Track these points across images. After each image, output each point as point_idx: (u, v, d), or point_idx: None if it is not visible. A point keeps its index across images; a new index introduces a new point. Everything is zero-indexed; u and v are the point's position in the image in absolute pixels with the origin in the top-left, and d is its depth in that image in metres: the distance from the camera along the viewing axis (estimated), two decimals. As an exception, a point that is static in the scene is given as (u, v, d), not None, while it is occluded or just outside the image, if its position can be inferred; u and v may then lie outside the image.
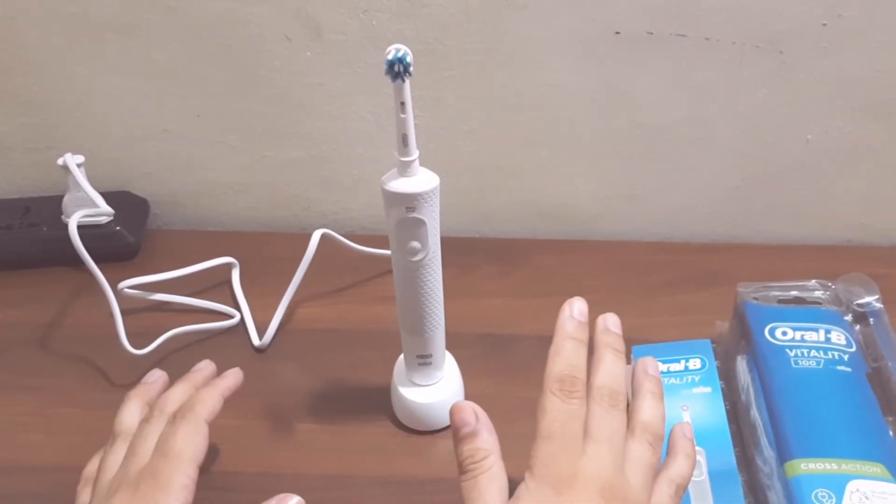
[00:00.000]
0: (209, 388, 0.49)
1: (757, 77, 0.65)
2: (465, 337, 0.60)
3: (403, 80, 0.42)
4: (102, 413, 0.50)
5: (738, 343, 0.56)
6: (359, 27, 0.65)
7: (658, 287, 0.67)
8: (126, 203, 0.73)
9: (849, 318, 0.56)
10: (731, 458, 0.50)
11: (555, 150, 0.71)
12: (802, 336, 0.54)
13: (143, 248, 0.73)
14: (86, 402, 0.58)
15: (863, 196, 0.71)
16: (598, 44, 0.64)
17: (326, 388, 0.59)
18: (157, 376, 0.53)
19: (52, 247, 0.69)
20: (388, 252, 0.50)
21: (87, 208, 0.68)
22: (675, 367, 0.55)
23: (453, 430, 0.41)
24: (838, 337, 0.54)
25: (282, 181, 0.75)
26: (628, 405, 0.43)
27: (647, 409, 0.43)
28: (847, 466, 0.46)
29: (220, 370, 0.53)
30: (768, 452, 0.48)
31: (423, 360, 0.54)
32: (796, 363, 0.52)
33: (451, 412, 0.41)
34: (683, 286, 0.67)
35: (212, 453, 0.53)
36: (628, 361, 0.50)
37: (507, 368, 0.60)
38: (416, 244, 0.48)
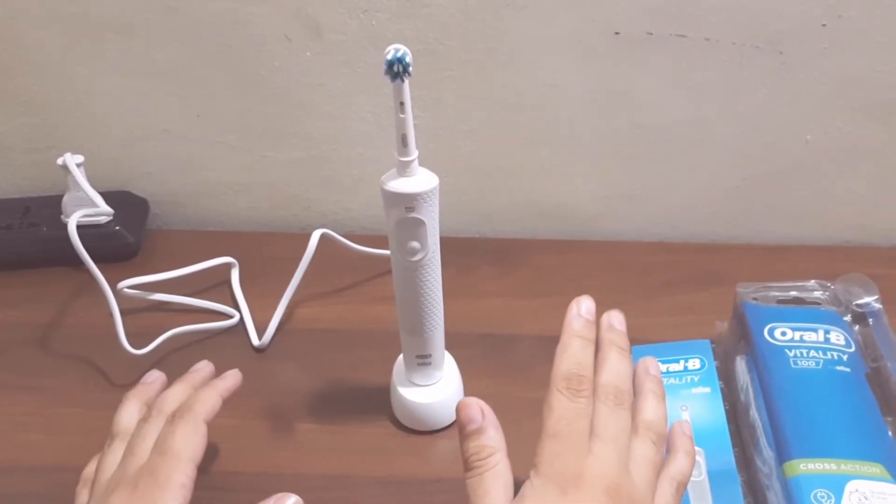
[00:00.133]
0: (208, 389, 0.49)
1: (757, 77, 0.65)
2: (465, 337, 0.60)
3: (403, 80, 0.42)
4: (102, 413, 0.50)
5: (737, 343, 0.56)
6: (359, 27, 0.65)
7: (658, 287, 0.67)
8: (126, 203, 0.73)
9: (848, 318, 0.56)
10: (730, 459, 0.50)
11: (555, 150, 0.71)
12: (802, 336, 0.54)
13: (143, 248, 0.73)
14: (86, 402, 0.58)
15: (862, 196, 0.71)
16: (598, 44, 0.64)
17: (326, 388, 0.59)
18: (155, 376, 0.53)
19: (52, 247, 0.69)
20: (387, 252, 0.50)
21: (87, 208, 0.68)
22: (674, 367, 0.55)
23: (459, 427, 0.41)
24: (837, 337, 0.54)
25: (282, 181, 0.75)
26: None
27: (649, 409, 0.43)
28: (846, 467, 0.46)
29: (220, 370, 0.53)
30: (767, 453, 0.48)
31: (422, 360, 0.54)
32: (795, 363, 0.52)
33: (458, 408, 0.41)
34: (683, 286, 0.67)
35: (211, 453, 0.54)
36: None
37: (507, 368, 0.60)
38: (415, 244, 0.48)
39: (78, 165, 0.68)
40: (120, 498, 0.42)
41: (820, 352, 0.53)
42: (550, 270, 0.70)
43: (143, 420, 0.47)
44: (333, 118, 0.70)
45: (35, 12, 0.66)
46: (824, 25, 0.62)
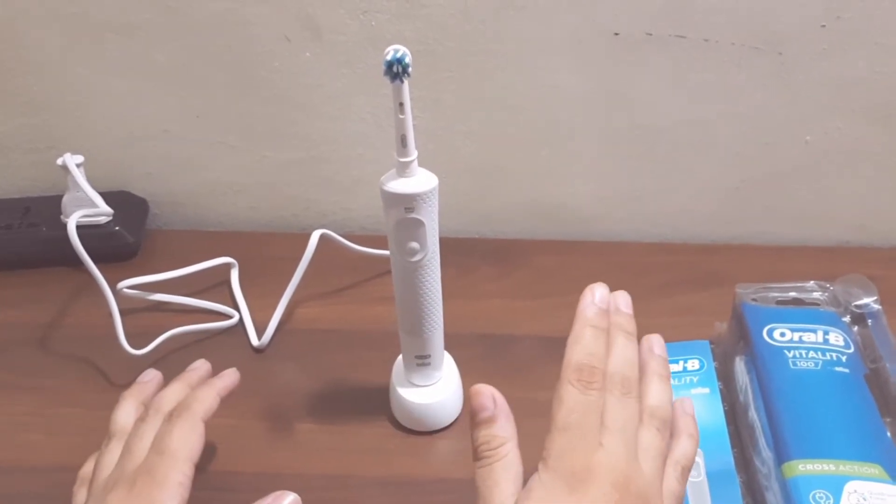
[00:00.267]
0: (206, 387, 0.49)
1: (756, 78, 0.65)
2: (465, 337, 0.61)
3: (402, 81, 0.42)
4: (102, 413, 0.50)
5: (736, 344, 0.56)
6: (358, 28, 0.65)
7: (657, 288, 0.67)
8: (125, 203, 0.73)
9: (847, 319, 0.56)
10: (729, 459, 0.50)
11: (554, 151, 0.71)
12: (801, 337, 0.54)
13: (143, 248, 0.73)
14: (85, 402, 0.58)
15: (861, 197, 0.72)
16: (598, 45, 0.64)
17: (325, 388, 0.59)
18: (151, 376, 0.53)
19: (52, 247, 0.69)
20: (387, 252, 0.50)
21: (87, 208, 0.68)
22: (673, 367, 0.55)
23: (471, 414, 0.40)
24: (836, 338, 0.54)
25: (281, 181, 0.75)
26: None
27: (653, 393, 0.42)
28: (845, 467, 0.46)
29: (219, 370, 0.53)
30: (766, 453, 0.48)
31: (421, 360, 0.54)
32: (794, 364, 0.52)
33: (471, 395, 0.40)
34: (682, 287, 0.67)
35: (210, 453, 0.54)
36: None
37: (506, 369, 0.60)
38: (414, 245, 0.48)
39: (78, 165, 0.68)
40: (117, 497, 0.42)
41: (819, 353, 0.53)
42: (550, 271, 0.70)
43: (141, 419, 0.47)
44: (333, 119, 0.70)
45: (35, 12, 0.66)
46: (823, 26, 0.62)
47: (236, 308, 0.66)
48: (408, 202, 0.46)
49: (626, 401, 0.40)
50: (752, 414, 0.51)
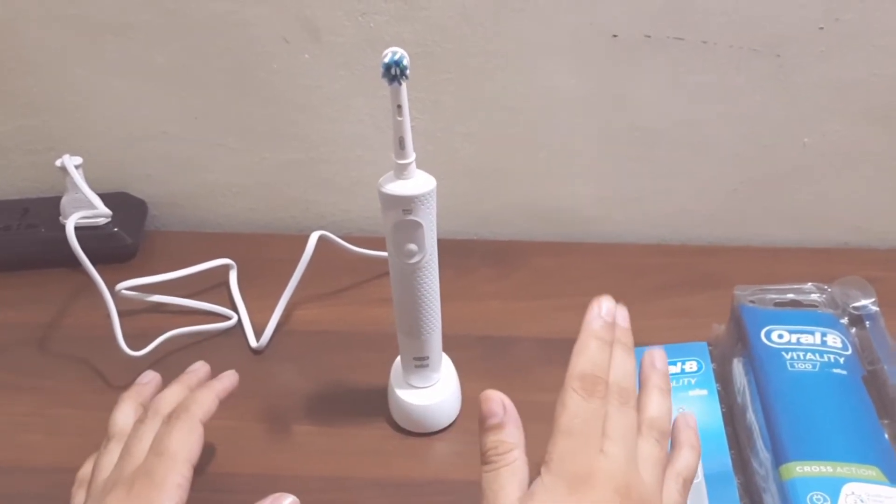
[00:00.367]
0: (204, 389, 0.49)
1: (754, 80, 0.65)
2: (463, 339, 0.61)
3: (400, 83, 0.42)
4: (101, 414, 0.50)
5: (734, 346, 0.56)
6: (357, 30, 0.65)
7: (655, 289, 0.67)
8: (124, 204, 0.73)
9: (845, 321, 0.56)
10: (726, 461, 0.50)
11: (553, 153, 0.71)
12: (798, 339, 0.54)
13: (141, 250, 0.73)
14: (84, 403, 0.58)
15: (860, 199, 0.72)
16: (596, 47, 0.64)
17: (324, 389, 0.59)
18: (150, 377, 0.54)
19: (51, 248, 0.69)
20: (385, 254, 0.50)
21: (85, 210, 0.68)
22: (671, 369, 0.55)
23: (480, 419, 0.41)
24: (834, 340, 0.54)
25: (280, 183, 0.75)
26: None
27: (653, 405, 0.43)
28: (842, 469, 0.46)
29: (218, 372, 0.53)
30: (764, 455, 0.48)
31: (419, 362, 0.54)
32: (792, 366, 0.52)
33: (480, 400, 0.41)
34: (680, 289, 0.67)
35: (209, 455, 0.54)
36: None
37: (505, 370, 0.60)
38: (412, 246, 0.48)
39: (76, 167, 0.68)
40: (116, 498, 0.42)
41: (817, 354, 0.53)
42: (548, 272, 0.70)
43: (140, 421, 0.47)
44: (332, 120, 0.70)
45: (35, 13, 0.66)
46: (822, 29, 0.62)
47: (235, 309, 0.66)
48: (406, 204, 0.46)
49: (625, 410, 0.41)
50: (750, 415, 0.51)
